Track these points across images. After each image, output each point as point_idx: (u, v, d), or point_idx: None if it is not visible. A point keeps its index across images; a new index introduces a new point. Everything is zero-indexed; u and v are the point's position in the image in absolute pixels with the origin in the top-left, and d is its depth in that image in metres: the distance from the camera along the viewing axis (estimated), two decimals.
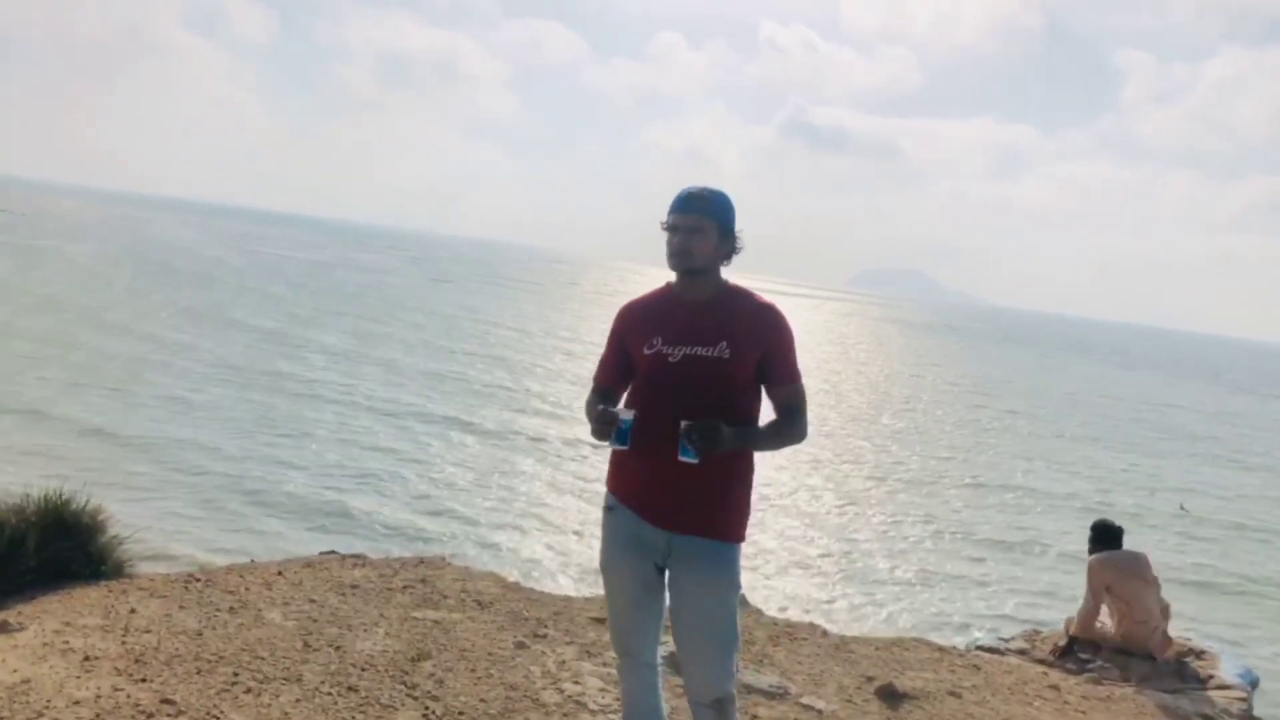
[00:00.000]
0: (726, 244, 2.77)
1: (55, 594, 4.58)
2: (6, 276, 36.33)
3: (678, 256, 2.73)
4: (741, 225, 2.78)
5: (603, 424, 2.68)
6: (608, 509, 2.87)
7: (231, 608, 4.56)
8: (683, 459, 2.58)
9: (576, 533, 13.47)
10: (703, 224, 2.71)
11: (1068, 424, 33.67)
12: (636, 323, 2.85)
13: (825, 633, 5.52)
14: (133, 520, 11.16)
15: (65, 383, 18.56)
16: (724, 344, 2.69)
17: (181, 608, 4.50)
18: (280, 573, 5.23)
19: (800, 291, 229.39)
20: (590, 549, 13.14)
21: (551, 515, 14.23)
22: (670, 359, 2.72)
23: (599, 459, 19.78)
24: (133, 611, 4.37)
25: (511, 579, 5.86)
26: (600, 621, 4.99)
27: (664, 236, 2.78)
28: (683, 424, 2.57)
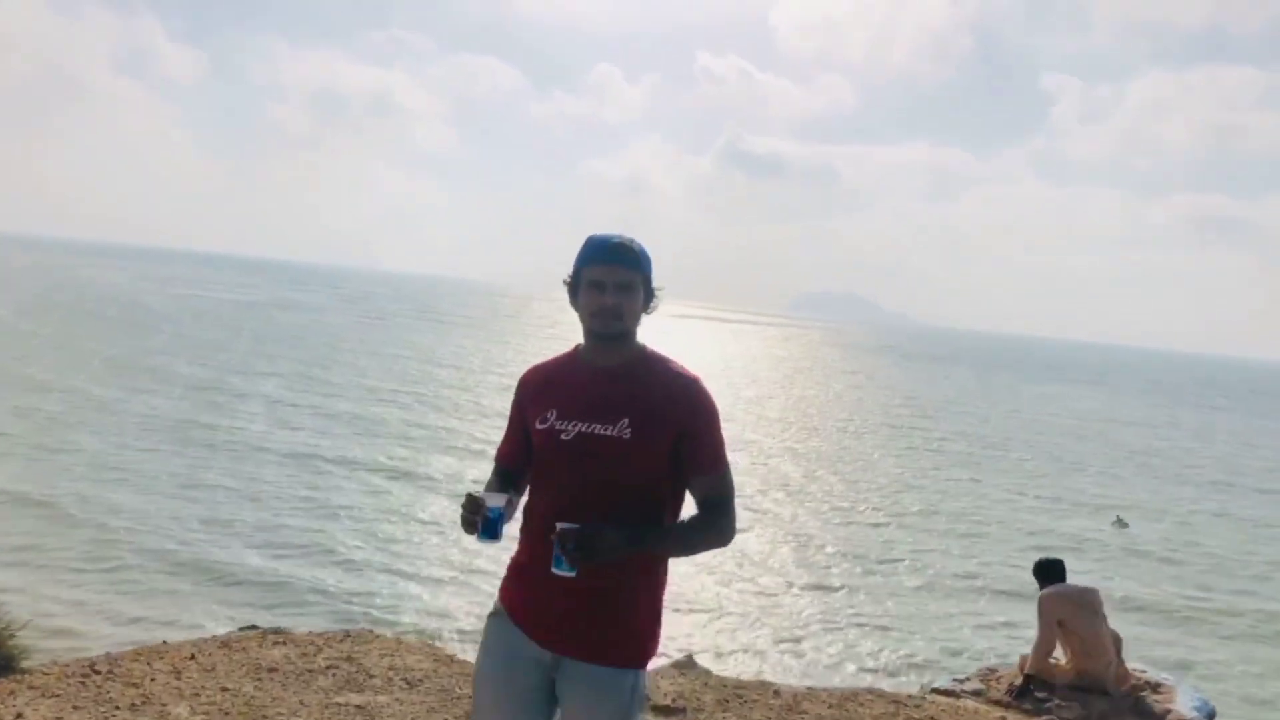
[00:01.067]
0: (649, 303, 2.39)
1: None
2: None
3: (605, 318, 2.30)
4: (660, 281, 2.42)
5: (467, 511, 2.27)
6: (492, 613, 2.44)
7: (133, 704, 4.19)
8: (556, 571, 2.16)
9: None
10: (634, 279, 2.31)
11: (1010, 445, 33.99)
12: (535, 391, 2.43)
13: (777, 691, 5.28)
14: (41, 594, 10.66)
15: None
16: (625, 422, 2.26)
17: (76, 708, 4.11)
18: (193, 656, 4.85)
19: (740, 318, 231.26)
20: None
21: (495, 572, 13.82)
22: (563, 436, 2.30)
23: None
24: (19, 717, 3.98)
25: (447, 650, 5.55)
26: None
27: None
28: (557, 528, 2.15)
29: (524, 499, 2.44)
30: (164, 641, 5.28)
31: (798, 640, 11.82)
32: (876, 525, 18.79)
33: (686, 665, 5.39)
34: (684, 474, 2.33)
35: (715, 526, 2.33)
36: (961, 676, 6.61)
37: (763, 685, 5.29)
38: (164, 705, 4.20)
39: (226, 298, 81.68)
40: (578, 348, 2.45)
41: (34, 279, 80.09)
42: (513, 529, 2.43)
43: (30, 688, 4.29)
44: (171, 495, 15.55)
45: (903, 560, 16.15)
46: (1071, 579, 6.61)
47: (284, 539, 13.92)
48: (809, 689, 5.77)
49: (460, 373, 39.86)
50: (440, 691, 4.70)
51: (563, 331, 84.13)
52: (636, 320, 2.35)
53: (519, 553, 2.41)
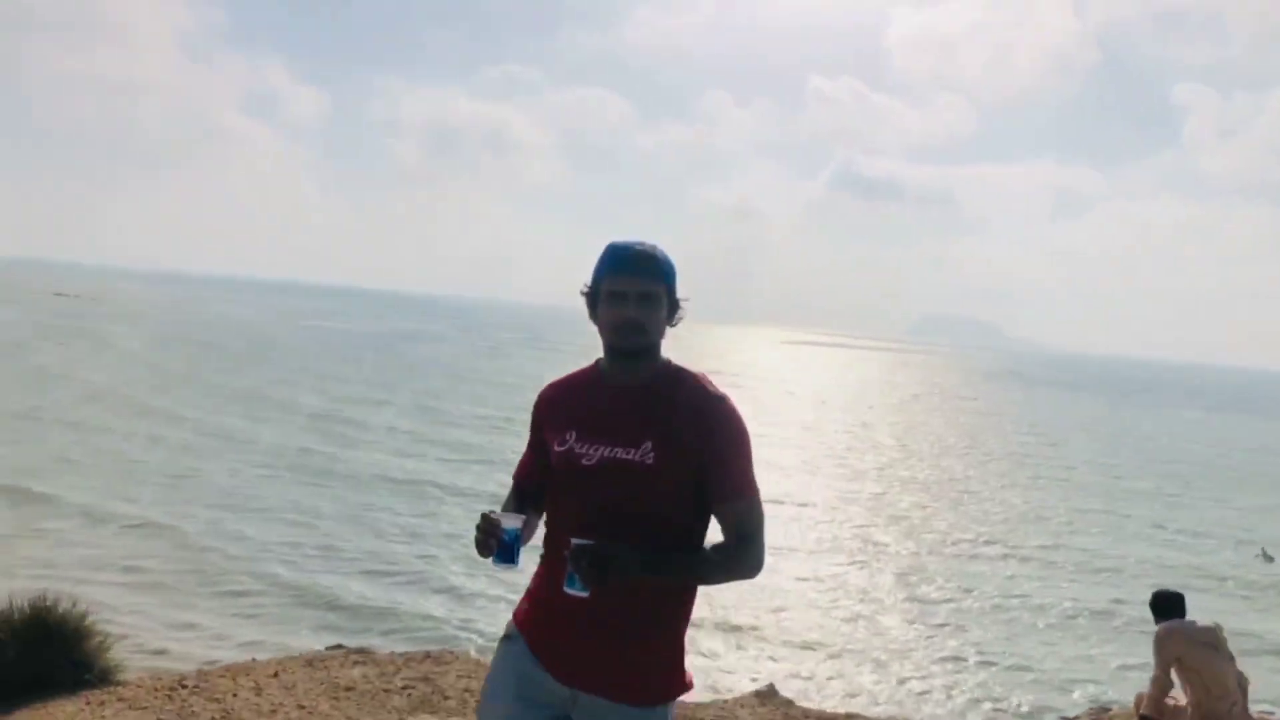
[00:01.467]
0: (673, 315, 2.23)
1: (31, 708, 4.34)
2: (59, 363, 37.24)
3: (626, 333, 2.15)
4: (686, 292, 2.24)
5: (481, 533, 2.12)
6: (506, 637, 2.30)
7: (212, 718, 4.29)
8: (568, 590, 2.03)
9: None
10: (657, 290, 2.16)
11: (1144, 474, 32.27)
12: (553, 409, 2.30)
13: None
14: (153, 615, 11.09)
15: (98, 473, 18.65)
16: (648, 445, 2.11)
17: None
18: (276, 674, 4.95)
19: (856, 344, 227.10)
20: None
21: None
22: (584, 460, 2.17)
23: None
24: None
25: None
26: None
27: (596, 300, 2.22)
28: (572, 544, 2.03)
29: (542, 519, 2.32)
30: (253, 659, 5.42)
31: (897, 674, 11.38)
32: (994, 559, 17.98)
33: (768, 695, 5.22)
34: (709, 500, 2.17)
35: (741, 557, 2.16)
36: (1071, 715, 6.24)
37: (848, 718, 5.07)
38: None
39: (348, 329, 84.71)
40: (598, 363, 2.30)
41: (168, 313, 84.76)
42: (533, 549, 2.34)
43: (120, 699, 4.44)
44: (289, 522, 16.08)
45: (1021, 596, 15.37)
46: (1214, 616, 6.19)
47: (393, 566, 14.20)
48: None
49: None
50: None
51: (671, 357, 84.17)
52: (660, 334, 2.21)
53: (536, 577, 2.29)
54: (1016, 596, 15.33)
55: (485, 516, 2.14)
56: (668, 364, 2.25)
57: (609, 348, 2.23)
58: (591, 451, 2.17)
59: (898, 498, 23.53)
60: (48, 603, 4.72)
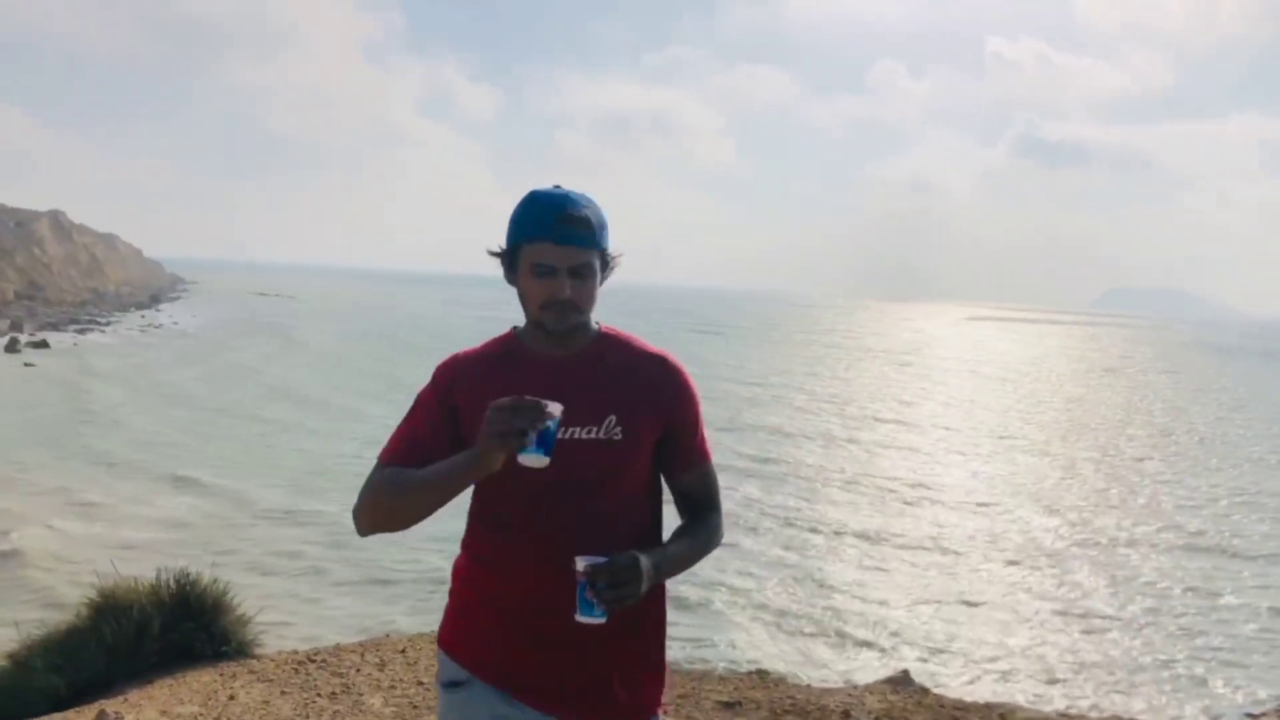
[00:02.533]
0: (605, 275, 1.89)
1: (171, 677, 4.56)
2: (251, 359, 39.91)
3: (560, 314, 1.81)
4: (618, 247, 1.89)
5: (519, 414, 1.63)
6: (450, 684, 1.92)
7: (334, 693, 4.38)
8: (583, 619, 1.70)
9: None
10: (591, 259, 1.81)
11: None
12: (475, 387, 1.86)
13: (1002, 716, 4.68)
14: (300, 597, 11.65)
15: (277, 467, 19.83)
16: (611, 420, 1.82)
17: (283, 693, 4.36)
18: (404, 650, 5.02)
19: (1041, 317, 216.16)
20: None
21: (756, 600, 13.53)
22: None
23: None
24: (232, 698, 4.27)
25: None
26: None
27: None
28: (581, 565, 1.69)
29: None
30: (386, 635, 5.54)
31: (1064, 668, 10.69)
32: (1198, 550, 16.65)
33: (901, 682, 4.92)
34: (670, 470, 1.93)
35: (713, 527, 1.94)
36: (1257, 712, 5.63)
37: (987, 708, 4.71)
38: (360, 695, 4.36)
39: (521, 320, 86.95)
40: (515, 333, 1.95)
41: (357, 309, 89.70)
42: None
43: (250, 671, 4.61)
44: (456, 515, 16.63)
45: (1223, 593, 14.16)
46: None
47: None
48: (1056, 713, 5.10)
49: (756, 388, 39.32)
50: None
51: (839, 339, 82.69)
52: (594, 303, 1.87)
53: (466, 591, 1.94)
54: (1207, 592, 14.15)
55: (530, 400, 1.65)
56: (598, 327, 1.94)
57: (535, 324, 1.87)
58: None
59: (1096, 479, 22.22)
60: (191, 578, 4.96)
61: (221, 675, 4.56)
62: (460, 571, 1.98)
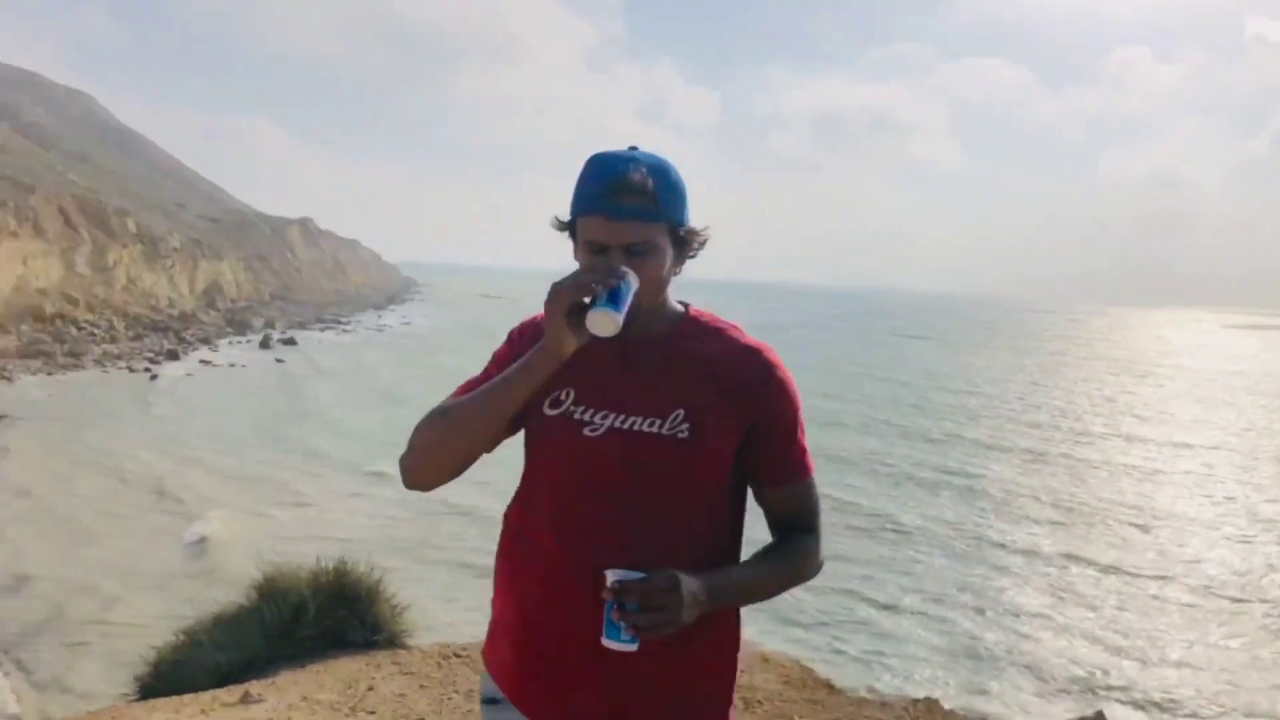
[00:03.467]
0: (681, 255, 1.62)
1: (321, 663, 4.66)
2: (466, 363, 41.62)
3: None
4: (705, 220, 1.61)
5: (595, 272, 1.47)
6: (488, 700, 1.74)
7: (470, 690, 4.34)
8: (609, 643, 1.48)
9: None
10: (651, 235, 1.54)
11: None
12: None
13: None
14: (472, 591, 11.83)
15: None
16: (678, 414, 1.56)
17: (422, 687, 4.35)
18: None
19: None
20: None
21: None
22: (588, 432, 1.58)
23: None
24: (371, 689, 4.30)
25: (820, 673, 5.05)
26: None
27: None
28: (610, 578, 1.48)
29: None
30: None
31: None
32: None
33: None
34: (758, 483, 1.66)
35: (811, 557, 1.65)
36: None
37: None
38: None
39: (733, 321, 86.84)
40: None
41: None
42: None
43: (394, 662, 4.64)
44: None
45: None
46: None
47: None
48: None
49: (966, 397, 37.33)
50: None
51: (1067, 347, 77.40)
52: (664, 289, 1.63)
53: (504, 604, 1.71)
54: None
55: (605, 259, 1.51)
56: (685, 309, 1.68)
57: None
58: (598, 420, 1.59)
59: None
60: (348, 566, 5.07)
61: (367, 664, 4.62)
62: (495, 572, 1.76)
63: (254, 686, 4.22)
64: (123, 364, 38.17)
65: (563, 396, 1.61)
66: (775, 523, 1.68)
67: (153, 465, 19.75)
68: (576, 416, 1.59)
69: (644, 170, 1.54)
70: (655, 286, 1.58)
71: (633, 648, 1.48)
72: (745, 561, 1.63)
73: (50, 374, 34.04)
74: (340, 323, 61.96)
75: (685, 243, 1.61)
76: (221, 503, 16.70)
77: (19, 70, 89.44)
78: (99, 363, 38.08)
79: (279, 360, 39.80)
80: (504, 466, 1.83)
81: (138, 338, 45.20)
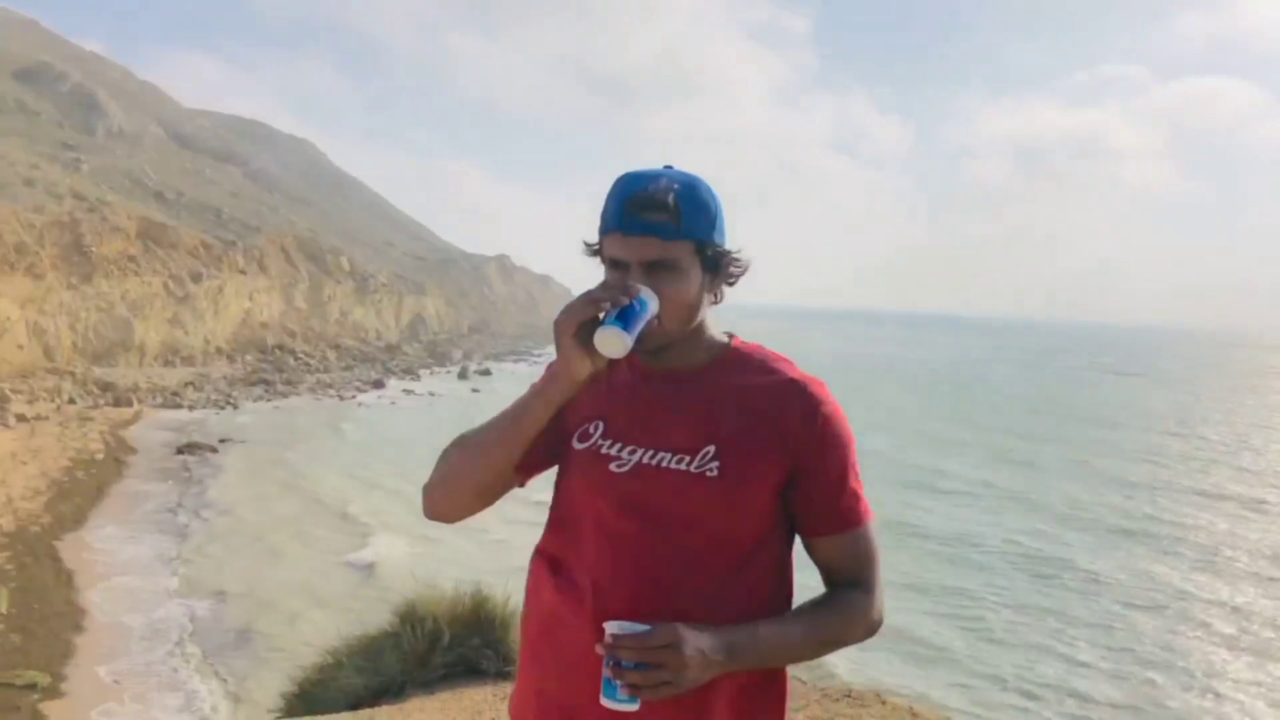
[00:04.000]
0: (716, 280, 1.48)
1: (452, 691, 4.66)
2: None
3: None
4: (738, 241, 1.49)
5: (606, 289, 1.37)
6: None
7: None
8: (607, 703, 1.34)
9: None
10: (675, 254, 1.42)
11: None
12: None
13: None
14: None
15: None
16: (709, 451, 1.43)
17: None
18: None
19: None
20: None
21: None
22: (614, 467, 1.46)
23: None
24: None
25: None
26: None
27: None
28: (609, 631, 1.34)
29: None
30: None
31: None
32: None
33: None
34: (806, 531, 1.49)
35: (861, 615, 1.47)
36: None
37: None
38: None
39: (929, 356, 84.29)
40: None
41: (767, 343, 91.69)
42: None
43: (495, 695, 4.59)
44: None
45: None
46: None
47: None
48: None
49: (1176, 440, 34.40)
50: None
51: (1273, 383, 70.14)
52: (694, 315, 1.46)
53: (530, 657, 1.57)
54: None
55: (622, 280, 1.40)
56: (728, 342, 1.54)
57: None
58: (626, 455, 1.46)
59: None
60: (484, 594, 5.07)
61: (494, 695, 4.57)
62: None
63: (381, 713, 4.25)
64: (333, 392, 40.89)
65: (591, 429, 1.50)
66: (827, 577, 1.51)
67: (341, 489, 20.91)
68: (605, 451, 1.48)
69: (666, 185, 1.42)
70: (682, 310, 1.44)
71: (633, 708, 1.33)
72: (779, 617, 1.45)
73: (269, 400, 36.80)
74: (532, 354, 64.17)
75: (718, 265, 1.47)
76: (397, 527, 17.40)
77: (249, 121, 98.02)
78: (312, 391, 40.92)
79: (474, 390, 41.57)
80: None
81: (348, 368, 48.38)
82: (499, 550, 15.87)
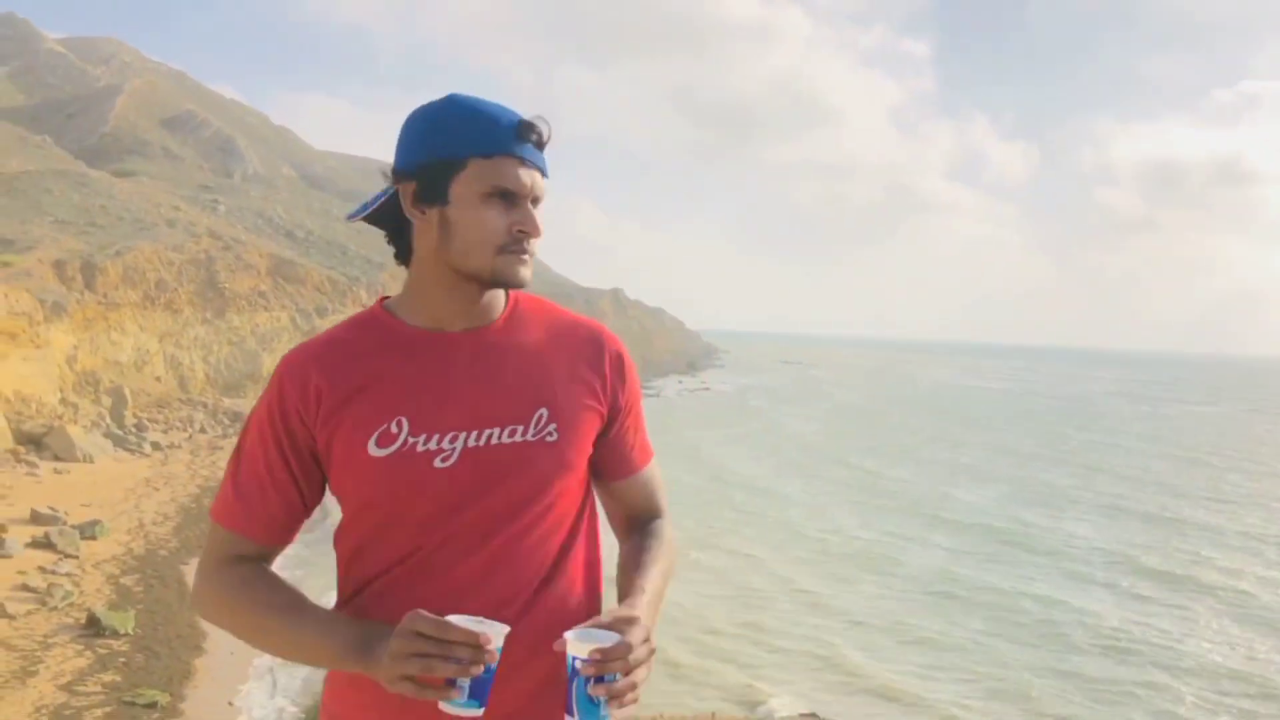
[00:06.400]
0: None
1: None
2: (779, 417, 41.66)
3: (527, 257, 1.31)
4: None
5: (443, 649, 1.13)
6: None
7: None
8: (461, 710, 1.15)
9: None
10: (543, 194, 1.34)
11: None
12: (337, 388, 1.31)
13: None
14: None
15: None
16: (543, 413, 1.31)
17: None
18: None
19: None
20: None
21: None
22: (439, 461, 1.27)
23: None
24: None
25: None
26: None
27: None
28: (583, 647, 1.15)
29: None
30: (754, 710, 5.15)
31: None
32: None
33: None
34: (609, 474, 1.42)
35: (673, 543, 1.44)
36: None
37: None
38: None
39: (1055, 390, 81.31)
40: (386, 305, 1.38)
41: (880, 375, 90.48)
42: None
43: None
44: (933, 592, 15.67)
45: None
46: None
47: None
48: None
49: None
50: None
51: None
52: None
53: (361, 703, 1.32)
54: None
55: (459, 628, 1.14)
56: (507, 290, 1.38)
57: (473, 275, 1.29)
58: (448, 444, 1.28)
59: None
60: None
61: None
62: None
63: None
64: None
65: (394, 429, 1.29)
66: (629, 516, 1.46)
67: None
68: (421, 448, 1.28)
69: (538, 116, 1.31)
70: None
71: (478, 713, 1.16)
72: (636, 567, 1.36)
73: None
74: (647, 388, 64.47)
75: None
76: None
77: (375, 160, 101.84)
78: None
79: None
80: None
81: None
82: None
